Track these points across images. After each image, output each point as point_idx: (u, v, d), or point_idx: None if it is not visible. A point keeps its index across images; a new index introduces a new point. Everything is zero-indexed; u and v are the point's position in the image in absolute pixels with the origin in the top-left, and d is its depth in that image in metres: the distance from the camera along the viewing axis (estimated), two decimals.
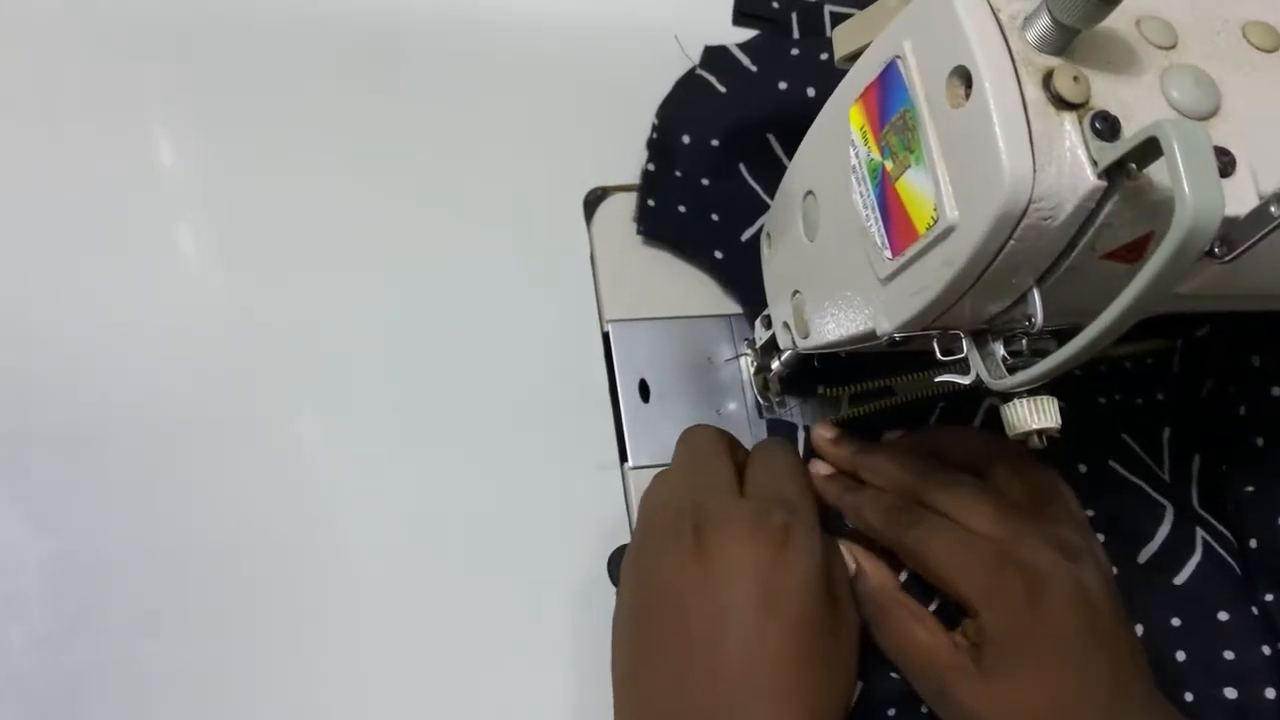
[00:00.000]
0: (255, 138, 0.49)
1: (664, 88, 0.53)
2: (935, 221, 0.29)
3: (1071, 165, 0.27)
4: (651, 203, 0.50)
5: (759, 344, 0.47)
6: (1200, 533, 0.46)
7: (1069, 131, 0.27)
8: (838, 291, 0.36)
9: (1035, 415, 0.33)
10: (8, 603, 0.39)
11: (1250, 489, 0.46)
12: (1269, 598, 0.44)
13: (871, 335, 0.34)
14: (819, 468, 0.45)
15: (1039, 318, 0.30)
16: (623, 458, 0.46)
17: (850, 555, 0.43)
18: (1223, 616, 0.44)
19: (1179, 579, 0.45)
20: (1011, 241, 0.28)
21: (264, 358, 0.45)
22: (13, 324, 0.44)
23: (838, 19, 0.54)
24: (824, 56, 0.50)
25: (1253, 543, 0.46)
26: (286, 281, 0.46)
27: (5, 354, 0.43)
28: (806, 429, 0.48)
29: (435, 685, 0.42)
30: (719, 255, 0.50)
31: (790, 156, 0.41)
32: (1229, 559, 0.46)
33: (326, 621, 0.42)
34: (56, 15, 0.49)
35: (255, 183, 0.48)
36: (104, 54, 0.49)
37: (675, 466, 0.42)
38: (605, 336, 0.48)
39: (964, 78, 0.28)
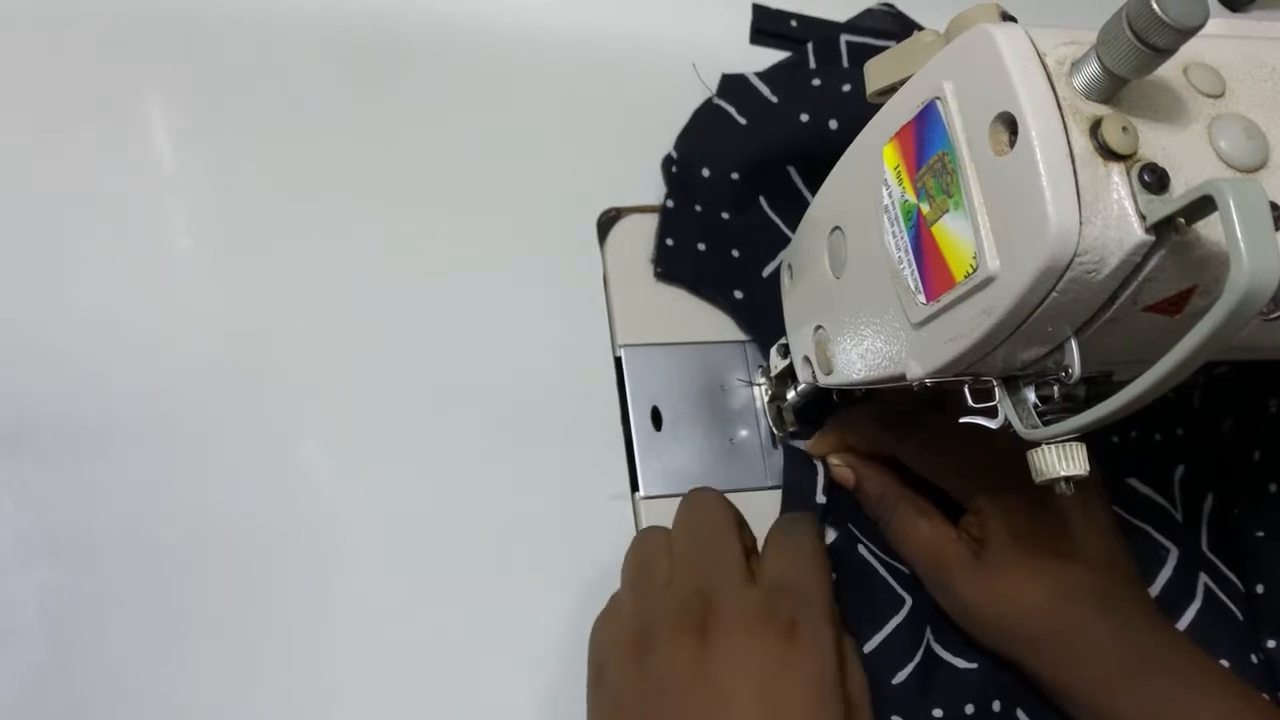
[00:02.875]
0: (268, 154, 0.48)
1: (679, 105, 0.52)
2: (974, 270, 0.28)
3: (1118, 218, 0.26)
4: (670, 242, 0.49)
5: (773, 373, 0.47)
6: (1203, 578, 0.46)
7: (1117, 183, 0.26)
8: (865, 331, 0.36)
9: (1064, 462, 0.33)
10: (5, 630, 0.38)
11: (1260, 534, 0.46)
12: (1271, 644, 0.44)
13: (900, 378, 0.34)
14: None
15: (1076, 368, 0.30)
16: (634, 487, 0.45)
17: (848, 467, 0.45)
18: (1223, 664, 0.43)
19: (1179, 626, 0.45)
20: (1054, 294, 0.27)
21: (267, 377, 0.44)
22: (6, 336, 0.42)
23: (854, 49, 0.54)
24: (846, 88, 0.49)
25: (1259, 588, 0.46)
26: (294, 300, 0.46)
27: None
28: (823, 460, 0.47)
29: (438, 716, 0.41)
30: (739, 295, 0.49)
31: (812, 189, 0.40)
32: (1231, 605, 0.46)
33: (329, 648, 0.41)
34: (54, 17, 0.48)
35: (261, 202, 0.47)
36: (106, 56, 0.48)
37: (682, 536, 0.40)
38: (617, 362, 0.48)
39: (1008, 124, 0.27)
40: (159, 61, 0.48)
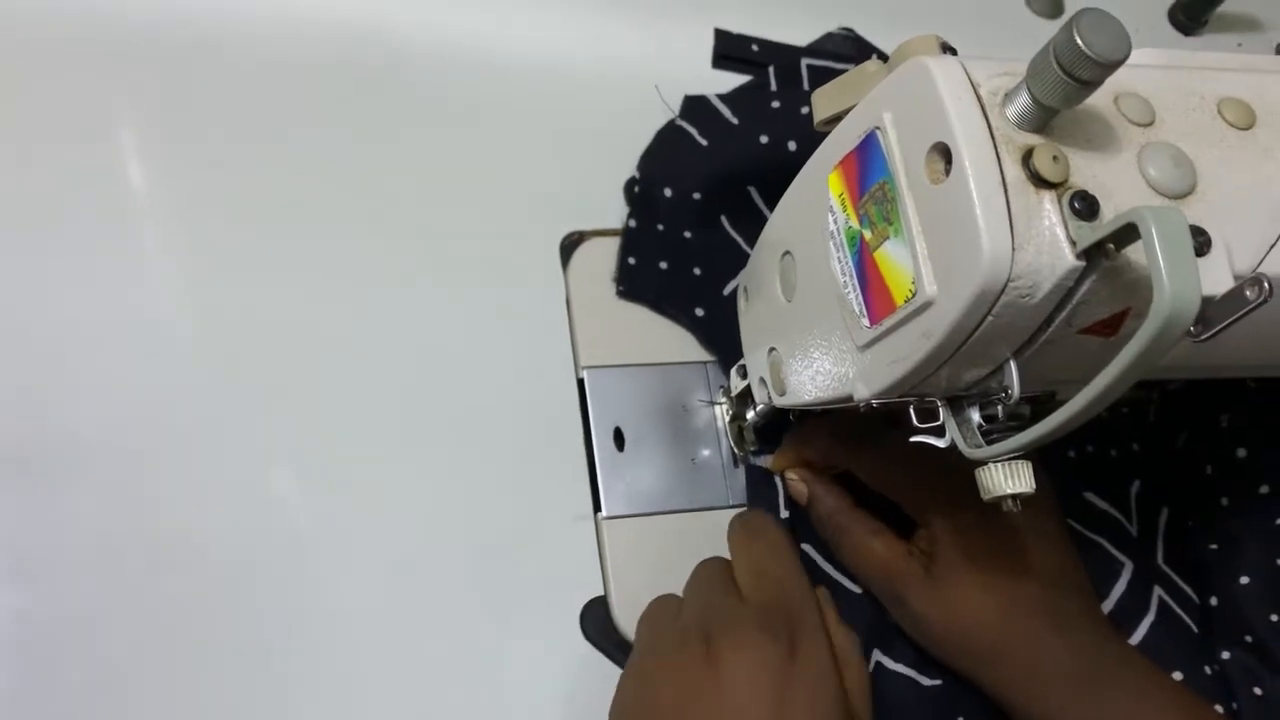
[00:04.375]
0: (235, 174, 0.48)
1: (642, 131, 0.53)
2: (913, 295, 0.29)
3: (1050, 244, 0.27)
4: (632, 261, 0.50)
5: (734, 393, 0.47)
6: (1157, 591, 0.47)
7: (1048, 211, 0.27)
8: (815, 353, 0.36)
9: (1010, 480, 0.33)
10: None
11: (1214, 547, 0.47)
12: (1226, 655, 0.45)
13: (849, 399, 0.34)
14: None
15: (1016, 389, 0.31)
16: (597, 507, 0.46)
17: (802, 482, 0.45)
18: (1177, 677, 0.44)
19: (1133, 639, 0.45)
20: (989, 317, 0.28)
21: (236, 402, 0.44)
22: None
23: (815, 73, 0.55)
24: (805, 110, 0.50)
25: (1213, 600, 0.47)
26: (259, 321, 0.46)
27: None
28: (783, 476, 0.47)
29: None
30: (700, 313, 0.50)
31: (771, 209, 0.41)
32: (1185, 618, 0.46)
33: (297, 668, 0.41)
34: (31, 29, 0.48)
35: (229, 221, 0.47)
36: (78, 68, 0.48)
37: (690, 584, 0.42)
38: (580, 383, 0.48)
39: (944, 154, 0.28)
40: (133, 74, 0.49)
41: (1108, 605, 0.46)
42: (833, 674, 0.37)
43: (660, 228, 0.51)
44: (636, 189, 0.51)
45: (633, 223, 0.51)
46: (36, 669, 0.39)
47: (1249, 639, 0.45)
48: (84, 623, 0.40)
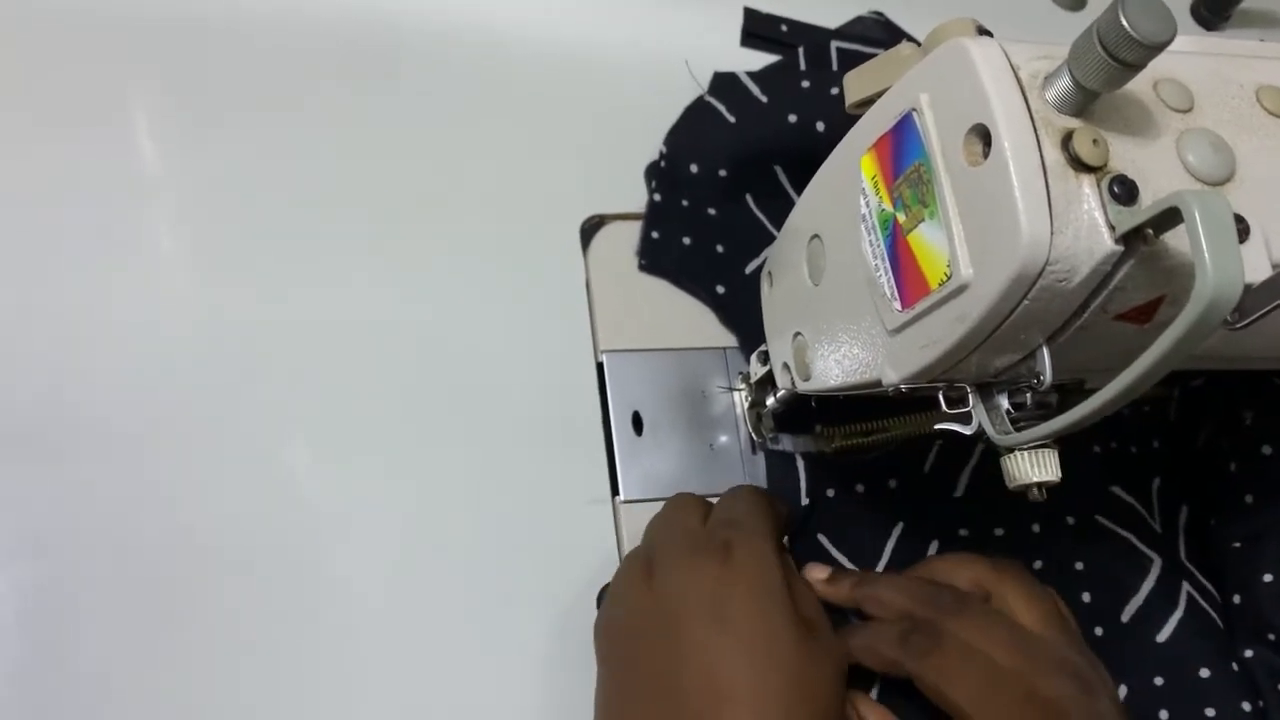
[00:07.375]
0: (254, 158, 0.48)
1: (665, 114, 0.53)
2: (949, 278, 0.29)
3: (1089, 229, 0.27)
4: (655, 235, 0.50)
5: (754, 379, 0.47)
6: (1186, 587, 0.46)
7: (1087, 195, 0.27)
8: (842, 338, 0.36)
9: (1036, 468, 0.33)
10: None
11: (1237, 544, 0.46)
12: (1249, 654, 0.45)
13: (876, 383, 0.34)
14: (815, 572, 0.44)
15: (1048, 375, 0.30)
16: (614, 491, 0.46)
17: (854, 711, 0.40)
18: (1204, 674, 0.44)
19: (1161, 636, 0.45)
20: (1025, 302, 0.28)
21: (253, 382, 0.44)
22: None
23: (844, 55, 0.55)
24: (835, 91, 0.50)
25: (1236, 598, 0.46)
26: (276, 304, 0.46)
27: None
28: (804, 455, 0.47)
29: (417, 715, 0.41)
30: (720, 290, 0.49)
31: (797, 189, 0.41)
32: (1212, 613, 0.46)
33: (310, 649, 0.41)
34: (46, 19, 0.48)
35: (245, 205, 0.47)
36: (93, 58, 0.48)
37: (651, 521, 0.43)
38: (599, 367, 0.48)
39: (983, 136, 0.28)
40: (149, 65, 0.49)
41: (1137, 601, 0.45)
42: (773, 569, 0.37)
43: (685, 203, 0.51)
44: (663, 164, 0.51)
45: (657, 197, 0.51)
46: (50, 642, 0.39)
47: (1271, 636, 0.44)
48: (97, 598, 0.40)
